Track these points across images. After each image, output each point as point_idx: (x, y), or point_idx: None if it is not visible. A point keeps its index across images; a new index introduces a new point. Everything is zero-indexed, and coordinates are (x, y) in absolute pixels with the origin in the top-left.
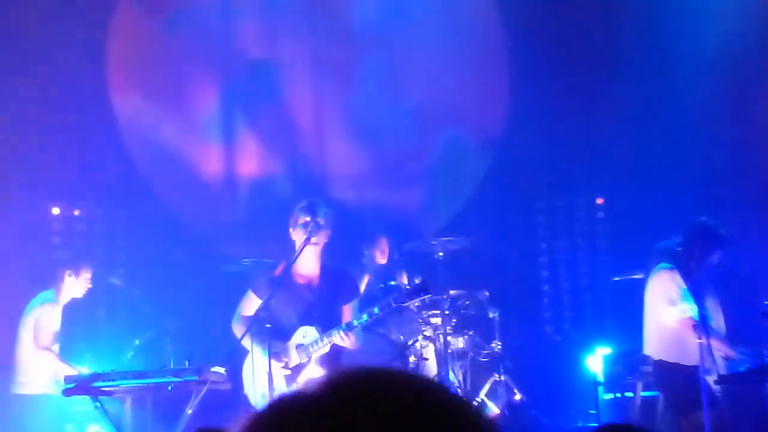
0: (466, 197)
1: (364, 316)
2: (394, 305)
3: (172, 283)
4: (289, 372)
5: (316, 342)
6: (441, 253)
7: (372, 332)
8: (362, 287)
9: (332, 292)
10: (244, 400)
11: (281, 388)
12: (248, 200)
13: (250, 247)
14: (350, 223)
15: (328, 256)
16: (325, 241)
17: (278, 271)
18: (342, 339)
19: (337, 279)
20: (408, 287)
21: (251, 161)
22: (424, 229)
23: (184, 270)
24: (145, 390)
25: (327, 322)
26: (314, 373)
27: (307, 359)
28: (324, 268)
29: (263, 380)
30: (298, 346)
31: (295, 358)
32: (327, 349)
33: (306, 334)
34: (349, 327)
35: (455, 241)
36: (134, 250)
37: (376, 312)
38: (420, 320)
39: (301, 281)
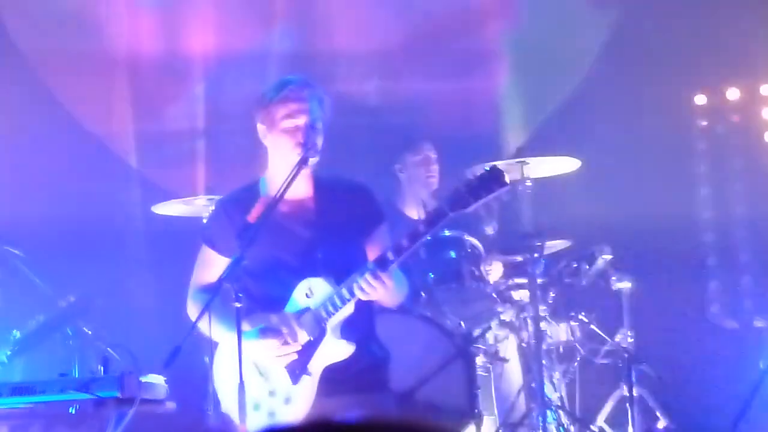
0: (572, 89)
1: (404, 242)
2: (450, 214)
3: (80, 239)
4: (292, 355)
5: (330, 300)
6: (528, 182)
7: (415, 316)
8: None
9: (341, 218)
10: (216, 418)
11: (281, 387)
12: (200, 98)
13: (205, 176)
14: (366, 135)
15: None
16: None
17: (254, 215)
18: (371, 287)
19: (345, 197)
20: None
21: (204, 33)
22: (497, 144)
23: (101, 214)
24: (31, 415)
25: (340, 267)
26: (335, 352)
27: (319, 330)
28: (320, 183)
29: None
30: (301, 312)
31: (299, 333)
32: (350, 309)
33: (311, 289)
34: (380, 264)
35: (554, 164)
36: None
37: (422, 232)
38: (494, 295)
39: (285, 209)
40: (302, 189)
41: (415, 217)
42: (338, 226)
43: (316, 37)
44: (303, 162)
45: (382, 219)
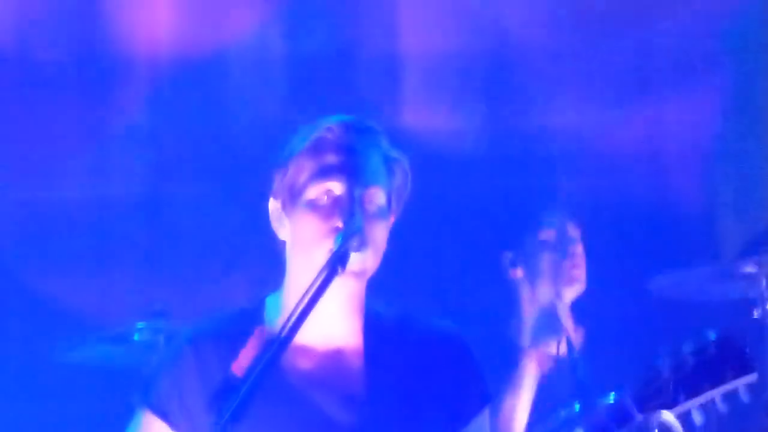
0: None
1: None
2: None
3: None
4: None
5: None
6: None
7: None
8: None
9: (409, 393)
10: None
11: None
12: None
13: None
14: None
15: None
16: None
17: (243, 362)
18: None
19: (422, 353)
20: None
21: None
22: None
23: None
24: None
25: None
26: None
27: None
28: (376, 324)
29: None
30: None
31: None
32: None
33: None
34: None
35: None
36: None
37: None
38: None
39: (307, 365)
40: (342, 330)
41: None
42: (402, 407)
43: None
44: (337, 263)
45: (484, 401)
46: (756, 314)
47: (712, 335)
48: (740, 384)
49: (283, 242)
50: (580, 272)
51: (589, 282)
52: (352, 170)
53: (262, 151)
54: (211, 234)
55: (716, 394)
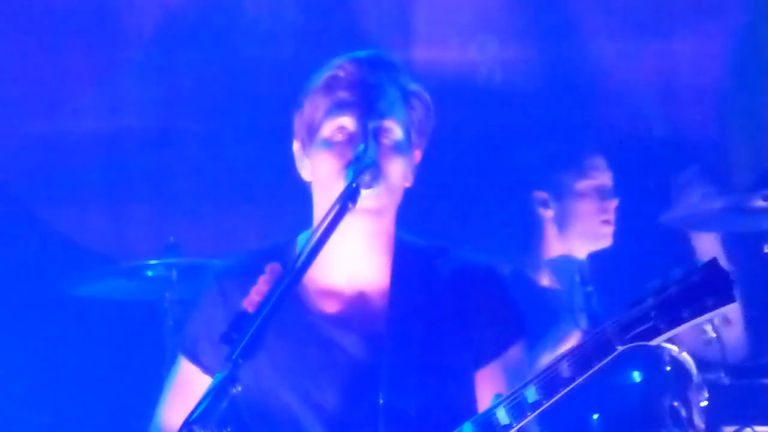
0: None
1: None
2: (619, 348)
3: None
4: None
5: None
6: None
7: None
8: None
9: (439, 332)
10: None
11: None
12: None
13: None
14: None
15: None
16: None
17: (255, 298)
18: None
19: (453, 290)
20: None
21: None
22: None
23: None
24: None
25: (421, 426)
26: None
27: None
28: (405, 261)
29: None
30: None
31: None
32: None
33: None
34: (516, 411)
35: None
36: None
37: (566, 380)
38: None
39: (329, 306)
40: (367, 270)
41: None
42: (431, 346)
43: None
44: (347, 199)
45: (519, 335)
46: (766, 249)
47: (698, 263)
48: (719, 313)
49: (309, 182)
50: (610, 230)
51: None
52: (365, 104)
53: (273, 87)
54: (224, 170)
55: (696, 322)
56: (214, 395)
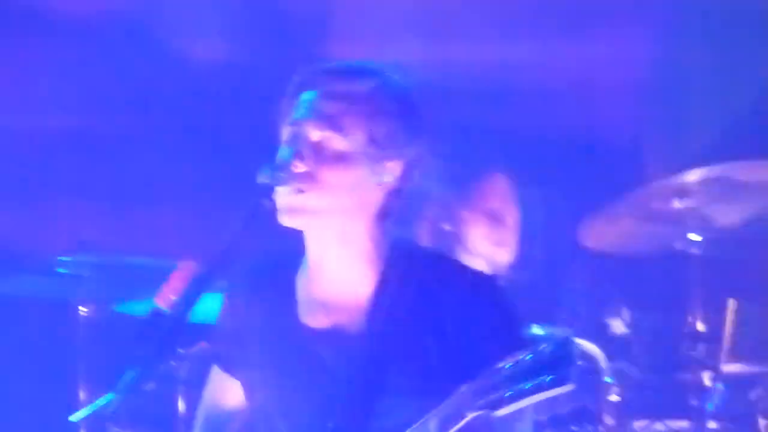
0: None
1: None
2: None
3: None
4: None
5: None
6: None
7: None
8: None
9: (427, 348)
10: None
11: None
12: None
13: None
14: None
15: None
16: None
17: (168, 296)
18: None
19: (443, 302)
20: None
21: None
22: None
23: None
24: None
25: None
26: None
27: None
28: (395, 267)
29: None
30: None
31: None
32: None
33: None
34: None
35: None
36: None
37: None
38: None
39: (319, 321)
40: (352, 277)
41: None
42: (410, 364)
43: None
44: (262, 196)
45: (515, 347)
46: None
47: (559, 337)
48: (555, 394)
49: None
50: (510, 237)
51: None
52: (310, 114)
53: (192, 85)
54: (139, 168)
55: (533, 401)
56: (126, 391)
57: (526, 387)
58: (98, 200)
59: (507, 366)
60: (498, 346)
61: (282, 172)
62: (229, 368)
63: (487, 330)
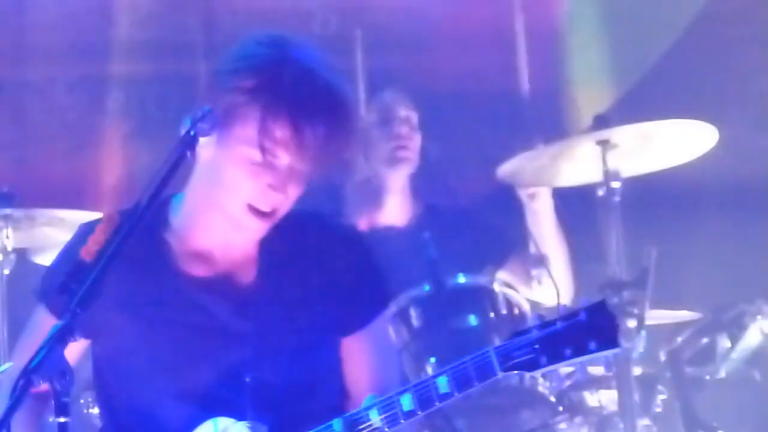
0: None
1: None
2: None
3: None
4: None
5: None
6: (617, 184)
7: None
8: None
9: (305, 300)
10: None
11: None
12: None
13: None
14: None
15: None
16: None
17: (92, 247)
18: None
19: (316, 255)
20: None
21: None
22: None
23: None
24: None
25: (285, 401)
26: None
27: None
28: (274, 228)
29: None
30: None
31: None
32: None
33: None
34: (389, 417)
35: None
36: None
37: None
38: (552, 398)
39: (202, 272)
40: (240, 234)
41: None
42: (296, 314)
43: None
44: (185, 146)
45: (382, 305)
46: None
47: (588, 302)
48: (602, 355)
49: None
50: (407, 153)
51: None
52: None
53: (104, 36)
54: (57, 118)
55: (576, 362)
56: (51, 344)
57: (566, 352)
58: (17, 152)
59: (536, 332)
60: (368, 300)
61: (207, 121)
62: (59, 315)
63: (358, 285)
